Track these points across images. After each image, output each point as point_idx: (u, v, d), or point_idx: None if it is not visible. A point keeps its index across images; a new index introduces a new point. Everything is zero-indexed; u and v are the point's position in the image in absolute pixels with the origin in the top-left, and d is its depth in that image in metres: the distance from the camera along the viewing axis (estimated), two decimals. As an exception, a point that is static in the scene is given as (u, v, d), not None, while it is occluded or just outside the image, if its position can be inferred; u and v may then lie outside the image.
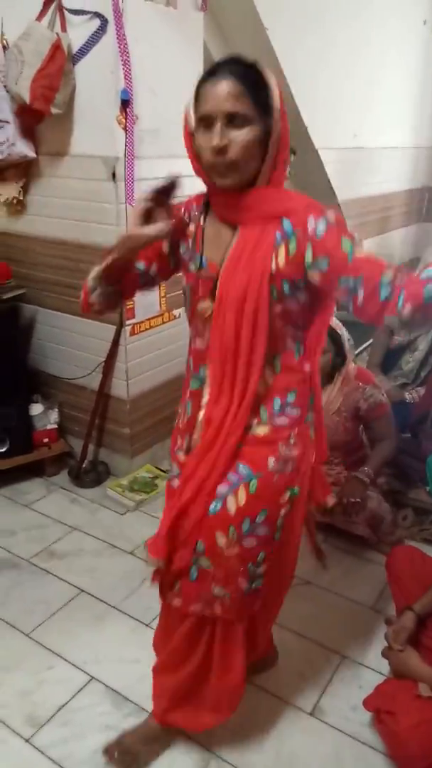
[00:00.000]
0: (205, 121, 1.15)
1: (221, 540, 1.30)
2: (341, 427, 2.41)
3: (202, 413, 1.33)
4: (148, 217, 1.17)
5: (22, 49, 2.19)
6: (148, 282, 1.37)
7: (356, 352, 3.49)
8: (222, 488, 1.29)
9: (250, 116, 1.13)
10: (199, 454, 1.33)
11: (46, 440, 2.74)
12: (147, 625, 1.96)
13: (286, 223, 1.17)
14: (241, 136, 1.13)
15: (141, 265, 1.33)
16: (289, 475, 1.31)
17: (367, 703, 1.60)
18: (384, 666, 1.73)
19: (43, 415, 2.75)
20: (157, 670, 1.58)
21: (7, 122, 2.33)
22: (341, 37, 3.79)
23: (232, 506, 1.29)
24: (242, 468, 1.29)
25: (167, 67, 2.41)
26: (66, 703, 1.69)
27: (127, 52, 2.19)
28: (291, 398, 1.30)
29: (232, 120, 1.12)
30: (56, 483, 2.75)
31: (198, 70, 2.56)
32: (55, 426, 2.78)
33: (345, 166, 4.16)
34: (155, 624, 1.93)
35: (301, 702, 1.71)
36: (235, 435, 1.27)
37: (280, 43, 3.16)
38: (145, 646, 1.85)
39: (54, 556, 2.28)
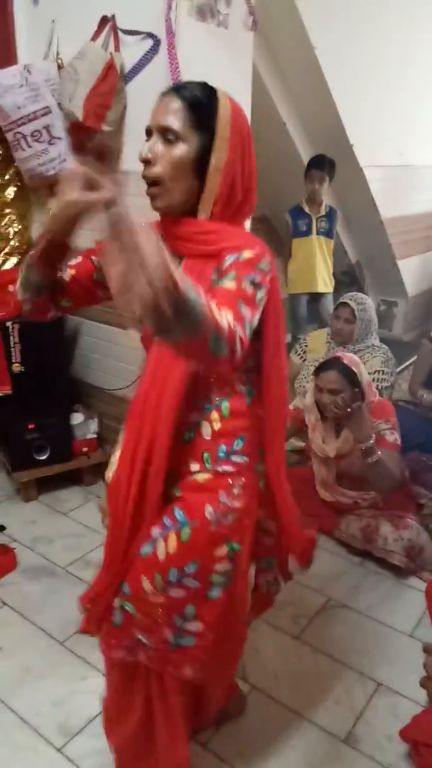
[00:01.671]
0: (147, 136, 1.13)
1: (147, 585, 1.20)
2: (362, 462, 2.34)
3: (114, 457, 1.27)
4: (89, 187, 0.95)
5: (77, 68, 2.26)
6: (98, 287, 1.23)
7: (398, 369, 3.44)
8: (155, 531, 1.20)
9: (183, 134, 1.08)
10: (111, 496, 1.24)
11: (85, 449, 2.78)
12: (180, 640, 1.94)
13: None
14: (169, 152, 1.08)
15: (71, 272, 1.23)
16: (228, 527, 1.20)
17: (404, 733, 1.55)
18: (422, 696, 1.68)
19: (84, 425, 2.79)
20: (104, 726, 1.46)
21: (59, 139, 2.40)
22: (388, 54, 3.79)
23: (161, 552, 1.19)
24: (177, 513, 1.19)
25: (216, 85, 2.43)
26: (97, 715, 1.69)
27: (178, 72, 2.23)
28: (238, 445, 1.21)
29: (166, 135, 1.08)
30: (94, 492, 2.78)
31: (247, 88, 2.59)
32: (95, 436, 2.81)
33: (390, 184, 4.14)
34: (188, 639, 1.93)
35: (335, 728, 1.67)
36: (149, 500, 1.18)
37: (327, 61, 3.18)
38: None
39: (90, 565, 2.29)
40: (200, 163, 1.09)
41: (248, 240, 1.10)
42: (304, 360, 3.12)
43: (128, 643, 1.24)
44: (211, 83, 2.45)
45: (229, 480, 1.20)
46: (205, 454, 1.19)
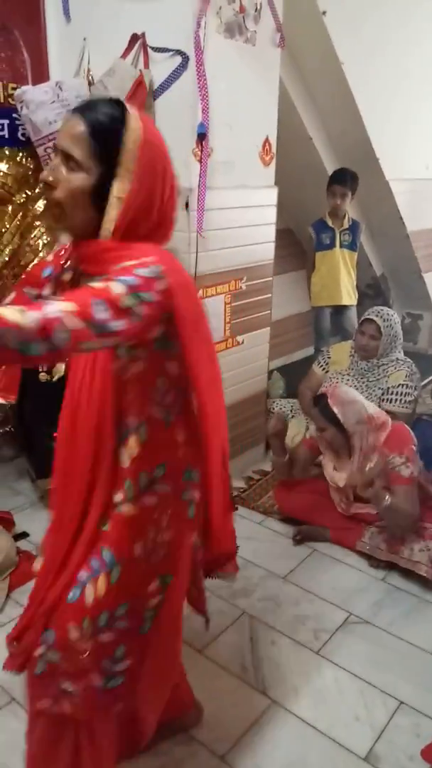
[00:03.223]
0: (54, 153, 1.09)
1: (73, 633, 1.14)
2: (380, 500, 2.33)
3: None
4: None
5: (107, 85, 2.31)
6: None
7: (423, 383, 3.42)
8: (82, 574, 1.14)
9: (84, 163, 1.03)
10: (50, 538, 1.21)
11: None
12: (199, 652, 1.94)
13: None
14: (69, 179, 1.03)
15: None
16: (159, 562, 1.18)
17: (425, 753, 1.53)
18: (444, 716, 1.65)
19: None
20: None
21: (88, 153, 2.44)
22: (414, 68, 3.80)
23: (89, 596, 1.13)
24: (105, 553, 1.13)
25: (244, 101, 2.47)
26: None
27: (206, 88, 2.27)
28: (159, 473, 1.16)
29: (68, 161, 1.04)
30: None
31: (274, 104, 2.62)
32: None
33: (417, 197, 4.13)
34: (208, 651, 1.93)
35: (355, 746, 1.65)
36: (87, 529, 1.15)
37: (354, 76, 3.20)
38: (197, 674, 1.85)
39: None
40: (101, 192, 1.04)
41: (147, 252, 1.03)
42: (327, 372, 3.12)
43: (54, 692, 1.17)
44: (238, 99, 2.49)
45: (155, 514, 1.16)
46: (127, 483, 1.15)
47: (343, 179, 3.49)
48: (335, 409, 2.31)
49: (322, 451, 2.53)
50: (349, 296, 3.78)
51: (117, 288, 0.95)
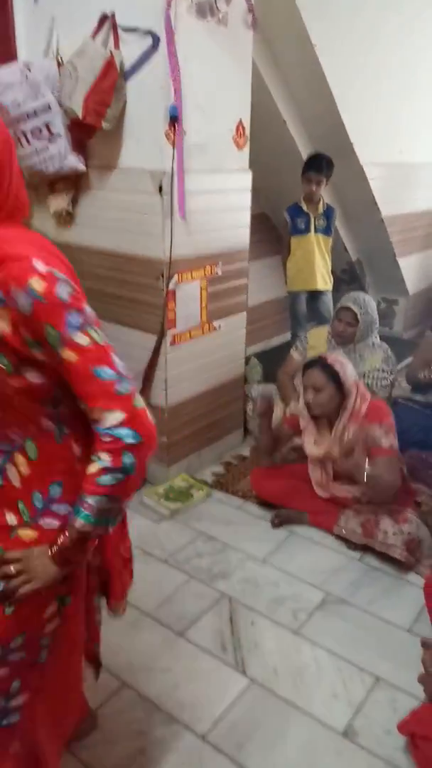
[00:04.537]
0: None
1: None
2: (360, 465, 2.38)
3: None
4: None
5: (77, 66, 2.27)
6: None
7: (398, 367, 3.45)
8: None
9: None
10: None
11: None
12: (180, 635, 1.96)
13: None
14: None
15: None
16: (59, 586, 1.08)
17: (402, 727, 1.56)
18: (419, 690, 1.68)
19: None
20: None
21: (59, 136, 2.40)
22: (389, 52, 3.79)
23: None
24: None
25: (216, 83, 2.45)
26: (98, 708, 1.69)
27: (178, 69, 2.24)
28: (56, 492, 1.07)
29: None
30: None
31: (246, 86, 2.60)
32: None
33: (391, 182, 4.14)
34: (188, 634, 1.95)
35: (334, 722, 1.68)
36: None
37: (327, 60, 3.18)
38: (178, 655, 1.87)
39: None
40: None
41: (19, 252, 0.95)
42: (305, 357, 3.13)
43: None
44: (210, 81, 2.48)
45: (56, 535, 1.04)
46: (20, 504, 1.07)
47: (318, 166, 3.48)
48: (336, 367, 2.34)
49: (302, 426, 2.53)
50: (324, 281, 3.79)
51: (80, 339, 0.95)
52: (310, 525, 2.52)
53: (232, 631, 1.98)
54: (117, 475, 0.97)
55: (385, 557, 2.31)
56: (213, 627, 2.00)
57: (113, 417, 0.96)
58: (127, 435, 0.96)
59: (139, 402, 0.99)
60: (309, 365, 2.42)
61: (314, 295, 3.85)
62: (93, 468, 0.98)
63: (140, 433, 0.97)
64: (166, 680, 1.79)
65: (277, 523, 2.53)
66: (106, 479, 0.97)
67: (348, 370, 2.39)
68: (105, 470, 0.97)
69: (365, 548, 2.37)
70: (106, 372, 0.96)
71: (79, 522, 1.00)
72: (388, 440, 2.33)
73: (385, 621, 2.05)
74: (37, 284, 0.92)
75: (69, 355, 0.95)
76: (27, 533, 1.07)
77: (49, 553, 1.03)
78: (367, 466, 2.27)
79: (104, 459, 0.97)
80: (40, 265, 0.94)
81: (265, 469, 2.77)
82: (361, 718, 1.69)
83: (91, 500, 0.98)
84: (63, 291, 0.95)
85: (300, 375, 3.07)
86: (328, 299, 3.85)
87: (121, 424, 0.96)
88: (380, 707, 1.73)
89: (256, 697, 1.75)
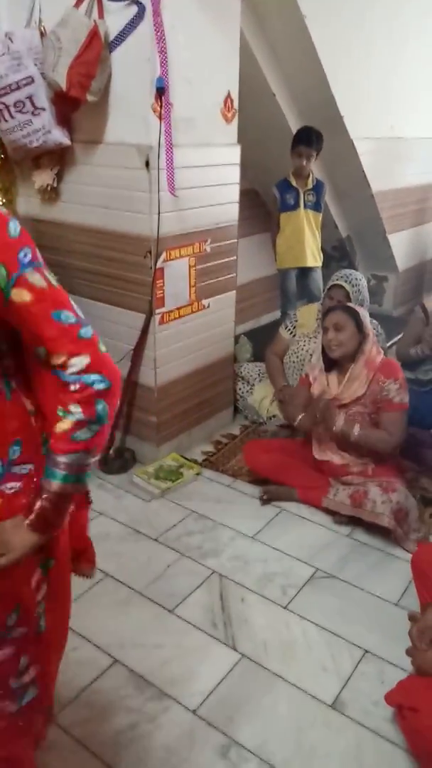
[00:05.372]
0: None
1: None
2: (366, 420, 2.41)
3: None
4: None
5: (60, 37, 2.20)
6: None
7: (388, 344, 3.45)
8: None
9: None
10: None
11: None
12: (170, 611, 1.97)
13: None
14: None
15: None
16: (38, 552, 1.03)
17: (389, 698, 1.59)
18: (407, 662, 1.71)
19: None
20: None
21: (43, 109, 2.35)
22: (382, 25, 3.73)
23: None
24: None
25: (203, 55, 2.39)
26: (89, 685, 1.72)
27: (164, 40, 2.18)
28: (15, 453, 1.00)
29: None
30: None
31: (235, 57, 2.54)
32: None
33: (381, 157, 4.10)
34: (178, 610, 1.97)
35: (323, 694, 1.71)
36: None
37: (317, 31, 3.12)
38: (168, 632, 1.89)
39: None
40: None
41: None
42: (294, 335, 3.12)
43: None
44: (197, 52, 2.42)
45: (24, 499, 1.00)
46: None
47: (308, 139, 3.43)
48: (358, 310, 2.44)
49: (312, 378, 2.56)
50: (314, 258, 3.77)
51: (37, 280, 0.91)
52: (300, 501, 2.54)
53: (222, 607, 2.00)
54: (92, 426, 0.93)
55: (373, 531, 2.34)
56: (203, 603, 2.01)
57: (80, 362, 0.91)
58: (96, 380, 0.92)
59: (103, 346, 0.95)
60: (331, 309, 2.50)
61: (304, 272, 3.83)
62: (65, 424, 0.92)
63: (109, 378, 0.93)
64: (157, 656, 1.80)
65: (266, 499, 2.55)
66: (81, 434, 0.93)
67: (366, 315, 2.48)
68: (79, 424, 0.92)
69: (354, 522, 2.39)
70: (67, 315, 0.92)
71: (56, 484, 0.95)
72: (400, 396, 2.40)
73: (373, 595, 2.08)
74: None
75: (23, 296, 0.89)
76: None
77: (26, 522, 0.97)
78: (356, 428, 2.37)
79: (76, 411, 0.92)
80: None
81: (258, 443, 2.81)
82: (350, 690, 1.73)
83: (66, 458, 0.94)
84: (13, 229, 0.90)
85: (291, 353, 3.08)
86: (318, 276, 3.83)
87: (89, 369, 0.92)
88: (368, 679, 1.76)
89: (245, 672, 1.77)
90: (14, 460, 1.00)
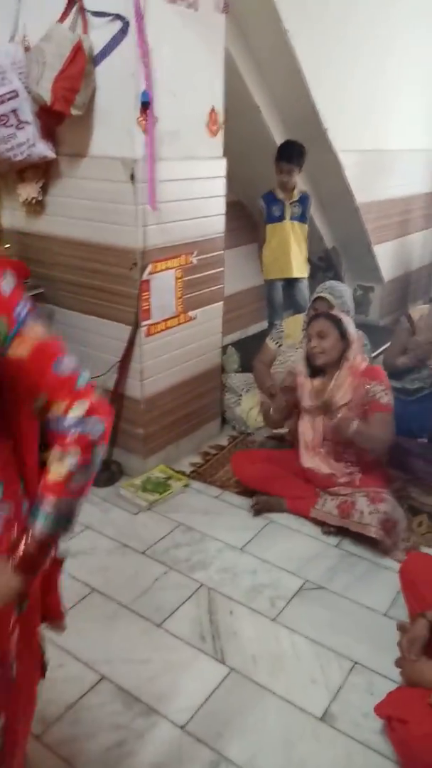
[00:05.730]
0: None
1: None
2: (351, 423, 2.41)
3: None
4: None
5: (44, 51, 2.21)
6: None
7: (374, 354, 3.47)
8: None
9: None
10: None
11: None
12: (158, 626, 1.96)
13: None
14: None
15: None
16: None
17: (378, 710, 1.58)
18: (396, 673, 1.71)
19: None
20: None
21: (28, 123, 2.35)
22: (364, 39, 3.78)
23: None
24: None
25: (188, 69, 2.41)
26: (76, 702, 1.69)
27: (148, 54, 2.20)
28: None
29: None
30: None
31: (219, 71, 2.57)
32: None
33: (365, 169, 4.15)
34: (166, 624, 1.95)
35: (312, 707, 1.70)
36: None
37: (300, 46, 3.16)
38: (156, 647, 1.87)
39: (67, 554, 2.28)
40: None
41: None
42: (281, 346, 3.13)
43: None
44: (182, 66, 2.44)
45: (4, 539, 1.00)
46: None
47: (289, 156, 3.46)
48: (341, 317, 2.45)
49: (299, 383, 2.56)
50: (300, 269, 3.79)
51: (32, 330, 0.94)
52: (288, 511, 2.54)
53: (210, 620, 1.99)
54: (87, 473, 0.95)
55: (361, 541, 2.34)
56: (191, 617, 2.00)
57: (80, 409, 0.93)
58: (95, 426, 0.93)
59: (97, 393, 0.97)
60: (315, 317, 2.50)
61: (290, 283, 3.85)
62: (61, 470, 0.93)
63: (105, 422, 0.95)
64: (145, 672, 1.79)
65: (257, 509, 2.54)
66: (76, 479, 0.94)
67: (350, 322, 2.49)
68: (75, 472, 0.93)
69: (342, 533, 2.39)
70: (66, 364, 0.94)
71: (45, 527, 0.95)
72: (387, 398, 2.41)
73: (362, 606, 2.07)
74: None
75: (22, 350, 0.91)
76: None
77: (11, 564, 0.96)
78: (355, 422, 2.35)
79: (73, 458, 0.93)
80: None
81: (246, 454, 2.81)
82: (339, 702, 1.72)
83: (58, 503, 0.94)
84: (7, 284, 0.92)
85: (278, 363, 3.09)
86: (305, 287, 3.85)
87: (88, 415, 0.93)
88: (357, 691, 1.75)
89: (234, 686, 1.76)
90: None
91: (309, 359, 2.48)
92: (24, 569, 0.98)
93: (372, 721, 1.63)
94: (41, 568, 1.02)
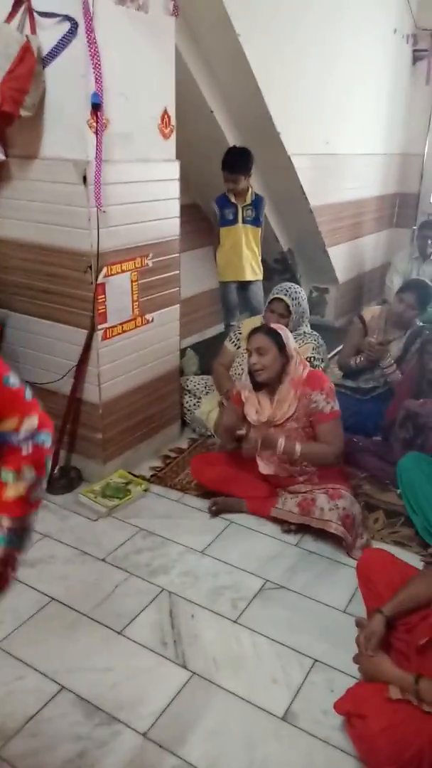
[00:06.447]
0: None
1: None
2: (301, 434, 2.44)
3: None
4: None
5: (-9, 51, 2.17)
6: None
7: (330, 355, 3.52)
8: None
9: None
10: None
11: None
12: (119, 633, 1.94)
13: None
14: None
15: None
16: None
17: (338, 706, 1.60)
18: (355, 669, 1.73)
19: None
20: None
21: (-25, 124, 2.30)
22: (315, 44, 3.84)
23: None
24: None
25: (139, 71, 2.40)
26: (35, 714, 1.66)
27: (98, 56, 2.18)
28: None
29: None
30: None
31: (170, 74, 2.57)
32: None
33: (318, 173, 4.21)
34: (127, 631, 1.94)
35: (273, 707, 1.71)
36: None
37: (252, 50, 3.19)
38: (117, 655, 1.86)
39: (24, 564, 2.22)
40: None
41: None
42: (239, 347, 3.15)
43: None
44: (133, 68, 2.42)
45: None
46: None
47: (231, 166, 3.46)
48: (280, 332, 2.44)
49: (244, 398, 2.57)
50: (253, 272, 3.82)
51: None
52: (248, 512, 2.55)
53: (172, 625, 1.98)
54: (42, 484, 0.96)
55: (321, 539, 2.37)
56: (153, 623, 1.99)
57: (30, 424, 0.94)
58: (45, 439, 0.95)
59: (51, 399, 0.98)
60: (253, 331, 2.49)
61: (244, 286, 3.87)
62: (19, 488, 0.93)
63: (51, 434, 0.97)
64: (106, 680, 1.77)
65: (215, 510, 2.55)
66: (36, 493, 0.95)
67: (290, 337, 2.49)
68: (35, 485, 0.94)
69: (301, 531, 2.42)
70: (13, 380, 0.95)
71: (7, 548, 0.95)
72: (330, 405, 2.43)
73: (321, 603, 2.10)
74: None
75: None
76: None
77: None
78: (297, 447, 2.39)
79: (29, 474, 0.93)
80: None
81: (205, 456, 2.81)
82: (300, 700, 1.73)
83: (17, 521, 0.94)
84: None
85: (236, 365, 3.11)
86: (258, 289, 3.88)
87: (39, 429, 0.94)
88: (318, 689, 1.77)
89: (196, 690, 1.75)
90: None
91: (251, 375, 2.49)
92: None
93: (332, 718, 1.65)
94: (5, 588, 1.01)
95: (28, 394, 0.96)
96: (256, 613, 2.05)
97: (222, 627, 1.98)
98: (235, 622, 2.00)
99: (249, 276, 3.79)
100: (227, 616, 2.03)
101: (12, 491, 0.93)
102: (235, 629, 1.97)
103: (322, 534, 2.35)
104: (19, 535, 0.96)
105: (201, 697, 1.73)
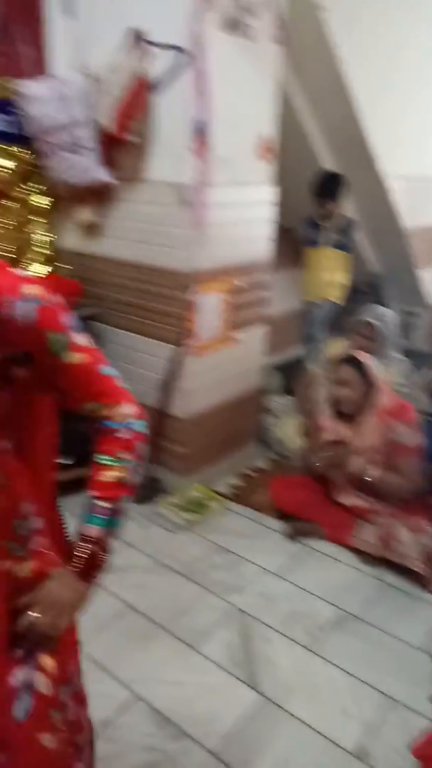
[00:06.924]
0: None
1: (48, 742, 0.97)
2: (381, 462, 2.39)
3: None
4: None
5: (107, 81, 2.31)
6: None
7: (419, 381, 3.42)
8: (19, 676, 0.95)
9: None
10: None
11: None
12: (192, 648, 1.96)
13: None
14: None
15: None
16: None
17: (415, 749, 1.55)
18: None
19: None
20: None
21: (87, 149, 2.44)
22: (413, 67, 3.78)
23: (44, 686, 0.97)
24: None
25: (243, 98, 2.47)
26: (110, 720, 1.71)
27: (205, 84, 2.26)
28: (29, 509, 1.02)
29: None
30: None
31: (273, 102, 2.62)
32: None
33: (413, 194, 4.12)
34: (200, 647, 1.95)
35: (345, 741, 1.67)
36: None
37: (354, 74, 3.18)
38: (189, 670, 1.87)
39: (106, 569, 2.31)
40: None
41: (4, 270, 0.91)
42: (323, 370, 3.12)
43: None
44: (237, 95, 2.48)
45: (52, 554, 1.04)
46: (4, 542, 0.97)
47: (321, 191, 3.47)
48: (366, 362, 2.46)
49: (327, 427, 2.57)
50: (335, 294, 3.80)
51: (80, 340, 0.98)
52: (326, 539, 2.52)
53: (244, 645, 1.98)
54: (139, 468, 1.00)
55: (400, 572, 2.30)
56: (226, 641, 2.00)
57: (128, 410, 0.99)
58: (141, 425, 1.00)
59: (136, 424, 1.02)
60: (339, 362, 2.50)
61: (327, 307, 3.85)
62: (116, 471, 0.97)
63: (146, 423, 1.02)
64: (178, 693, 1.79)
65: (293, 534, 2.53)
66: (131, 478, 0.99)
67: (375, 365, 2.49)
68: (130, 468, 0.98)
69: (381, 563, 2.36)
70: (110, 369, 1.00)
71: (101, 530, 0.99)
72: (414, 438, 2.37)
73: (399, 639, 2.04)
74: (32, 289, 0.89)
75: (77, 357, 0.94)
76: (26, 567, 0.99)
77: (74, 570, 1.00)
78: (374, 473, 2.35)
79: (126, 458, 0.98)
80: (21, 273, 0.93)
81: (285, 480, 2.80)
82: (373, 737, 1.69)
83: (113, 504, 0.99)
84: (58, 301, 0.94)
85: (317, 387, 3.08)
86: (338, 311, 3.85)
87: (135, 416, 0.99)
88: (392, 727, 1.72)
89: (267, 714, 1.75)
90: (31, 513, 1.03)
91: (334, 404, 2.47)
92: (89, 575, 1.02)
93: (407, 760, 1.59)
94: (102, 570, 1.04)
95: (121, 381, 1.01)
96: (331, 642, 2.01)
97: (294, 653, 1.97)
98: (308, 649, 1.98)
99: (331, 298, 3.79)
100: (300, 642, 2.01)
101: (108, 475, 0.98)
102: (308, 657, 1.95)
103: (402, 567, 2.28)
104: (112, 519, 0.99)
105: (271, 722, 1.72)
